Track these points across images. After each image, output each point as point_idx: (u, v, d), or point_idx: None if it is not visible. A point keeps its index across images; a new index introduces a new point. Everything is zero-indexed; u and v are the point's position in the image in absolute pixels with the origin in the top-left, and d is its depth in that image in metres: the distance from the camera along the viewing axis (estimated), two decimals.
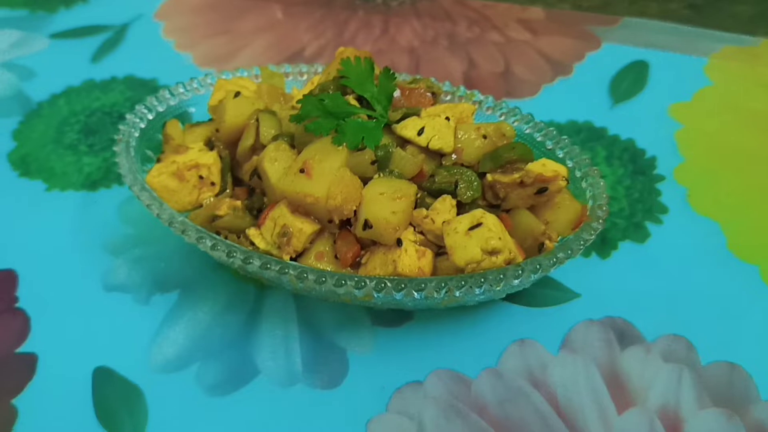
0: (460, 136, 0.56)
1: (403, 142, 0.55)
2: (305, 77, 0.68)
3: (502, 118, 0.62)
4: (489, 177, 0.55)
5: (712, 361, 0.54)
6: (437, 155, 0.56)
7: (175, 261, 0.61)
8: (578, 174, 0.57)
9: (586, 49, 0.81)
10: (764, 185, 0.66)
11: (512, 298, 0.58)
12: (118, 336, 0.56)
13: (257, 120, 0.57)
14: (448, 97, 0.64)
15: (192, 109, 0.67)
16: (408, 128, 0.55)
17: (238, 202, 0.55)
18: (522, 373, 0.53)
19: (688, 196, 0.65)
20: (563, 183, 0.54)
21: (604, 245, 0.62)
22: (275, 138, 0.56)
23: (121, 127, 0.61)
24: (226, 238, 0.54)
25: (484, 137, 0.56)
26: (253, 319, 0.57)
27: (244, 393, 0.53)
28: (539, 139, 0.61)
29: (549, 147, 0.60)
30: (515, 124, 0.62)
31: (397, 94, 0.58)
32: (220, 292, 0.59)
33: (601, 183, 0.56)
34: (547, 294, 0.59)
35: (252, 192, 0.58)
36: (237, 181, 0.59)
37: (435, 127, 0.55)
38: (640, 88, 0.76)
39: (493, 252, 0.50)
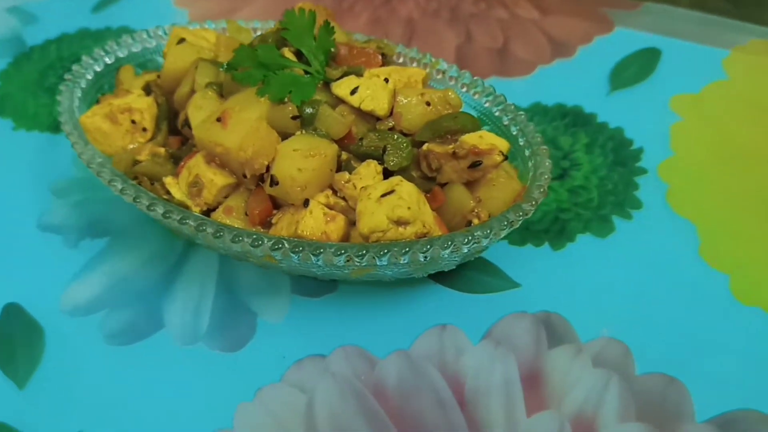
0: (400, 101, 0.52)
1: (340, 102, 0.52)
2: None
3: (464, 89, 0.58)
4: (425, 146, 0.51)
5: (649, 372, 0.48)
6: (373, 119, 0.52)
7: (112, 209, 0.59)
8: (527, 153, 0.53)
9: (597, 32, 0.75)
10: (753, 189, 0.59)
11: (446, 281, 0.54)
12: (38, 275, 0.55)
13: (197, 68, 0.55)
14: (414, 64, 0.60)
15: (160, 58, 0.65)
16: (342, 87, 0.52)
17: (161, 149, 0.53)
18: (433, 359, 0.49)
19: (669, 192, 0.59)
20: (498, 158, 0.49)
21: (560, 236, 0.56)
22: (208, 86, 0.53)
23: (74, 67, 0.60)
24: (140, 183, 0.52)
25: (428, 104, 0.52)
26: (174, 274, 0.55)
27: (142, 346, 0.51)
28: (496, 113, 0.56)
29: (505, 123, 0.55)
30: (475, 96, 0.57)
31: (344, 51, 0.55)
32: (147, 244, 0.57)
33: (547, 163, 0.51)
34: (484, 280, 0.54)
35: (186, 141, 0.56)
36: (175, 131, 0.57)
37: (370, 87, 0.51)
38: (645, 77, 0.70)
39: (400, 222, 0.46)
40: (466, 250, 0.46)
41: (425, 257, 0.45)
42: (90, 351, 0.50)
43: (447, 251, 0.46)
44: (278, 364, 0.49)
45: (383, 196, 0.47)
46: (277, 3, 0.81)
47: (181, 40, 0.57)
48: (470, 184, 0.51)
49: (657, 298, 0.52)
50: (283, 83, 0.51)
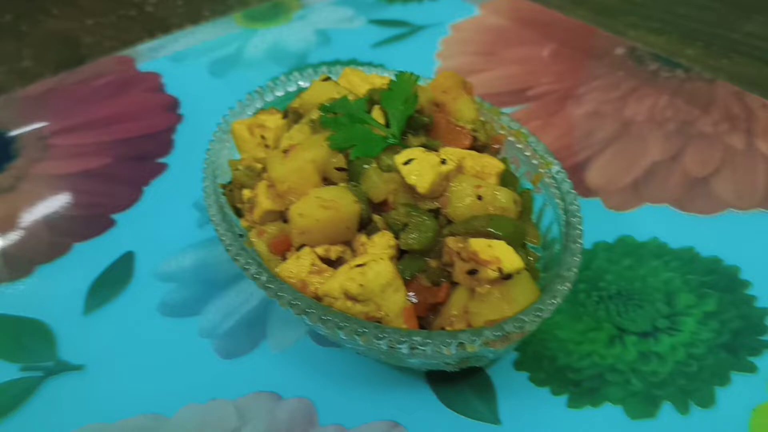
0: (454, 187, 0.49)
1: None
2: None
3: (557, 200, 0.52)
4: (448, 238, 0.48)
5: None
6: (418, 194, 0.50)
7: None
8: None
9: None
10: None
11: (436, 384, 0.50)
12: (163, 240, 0.64)
13: None
14: (535, 161, 0.56)
15: None
16: (402, 156, 0.51)
17: (258, 165, 0.59)
18: None
19: (763, 407, 0.45)
20: (493, 274, 0.44)
21: (587, 395, 0.48)
22: (310, 121, 0.57)
23: (268, 83, 0.69)
24: (231, 189, 0.58)
25: (479, 198, 0.49)
26: (238, 278, 0.60)
27: (173, 322, 0.57)
28: (563, 234, 0.49)
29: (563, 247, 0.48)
30: (559, 210, 0.51)
31: (443, 124, 0.54)
32: None
33: (551, 301, 0.43)
34: (470, 401, 0.49)
35: None
36: None
37: (422, 162, 0.50)
38: None
39: (349, 296, 0.45)
40: (405, 351, 0.43)
41: (359, 340, 0.43)
42: (143, 311, 0.58)
43: (381, 342, 0.43)
44: (244, 385, 0.52)
45: (357, 266, 0.46)
46: (515, 75, 0.80)
47: (327, 78, 0.62)
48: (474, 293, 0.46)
49: None
50: (350, 136, 0.52)
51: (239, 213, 0.57)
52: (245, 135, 0.62)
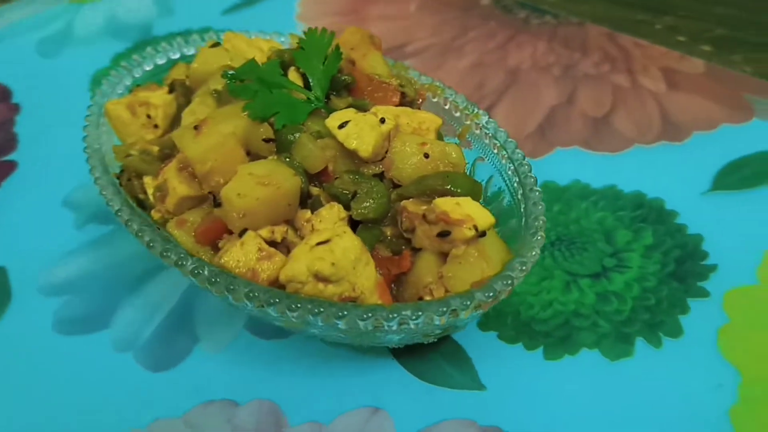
0: (395, 147, 0.46)
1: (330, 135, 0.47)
2: None
3: (495, 150, 0.50)
4: (403, 202, 0.44)
5: None
6: (361, 160, 0.46)
7: None
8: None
9: (727, 119, 0.62)
10: None
11: (406, 360, 0.47)
12: (37, 248, 0.56)
13: None
14: (458, 114, 0.53)
15: None
16: (334, 119, 0.46)
17: (154, 148, 0.51)
18: None
19: (726, 328, 0.46)
20: (469, 233, 0.41)
21: (561, 344, 0.46)
22: (212, 93, 0.51)
23: (134, 56, 0.61)
24: (129, 179, 0.51)
25: (426, 156, 0.45)
26: (143, 280, 0.53)
27: (78, 341, 0.49)
28: (515, 184, 0.47)
29: (519, 197, 0.47)
30: (503, 161, 0.49)
31: (365, 83, 0.50)
32: (135, 244, 0.55)
33: (532, 253, 0.42)
34: (448, 372, 0.46)
35: None
36: None
37: (359, 124, 0.45)
38: (762, 182, 0.56)
39: (320, 277, 0.40)
40: (394, 327, 0.39)
41: (341, 324, 0.39)
42: (34, 333, 0.50)
43: (366, 323, 0.39)
44: (189, 397, 0.45)
45: (319, 244, 0.41)
46: (388, 31, 0.78)
47: (216, 44, 0.56)
48: (444, 256, 0.43)
49: None
50: (270, 102, 0.47)
51: (142, 205, 0.50)
52: (125, 116, 0.54)
